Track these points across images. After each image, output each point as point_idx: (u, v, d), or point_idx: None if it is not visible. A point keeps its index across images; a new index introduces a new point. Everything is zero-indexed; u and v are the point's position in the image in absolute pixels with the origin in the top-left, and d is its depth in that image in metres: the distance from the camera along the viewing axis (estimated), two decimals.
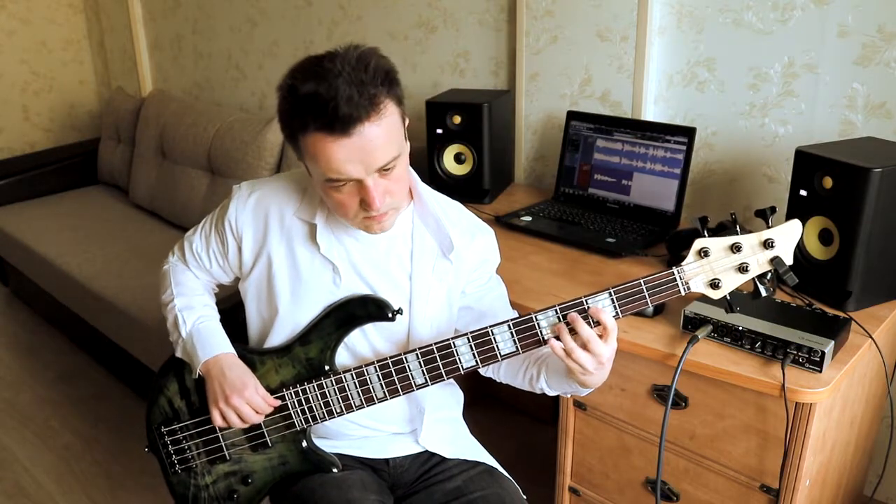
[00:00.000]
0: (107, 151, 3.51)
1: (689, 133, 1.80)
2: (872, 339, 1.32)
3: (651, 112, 1.98)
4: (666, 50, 1.92)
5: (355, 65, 1.03)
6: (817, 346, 1.21)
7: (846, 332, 1.30)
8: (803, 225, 1.45)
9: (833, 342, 1.22)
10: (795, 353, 1.22)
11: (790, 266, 1.07)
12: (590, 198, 1.99)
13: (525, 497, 1.32)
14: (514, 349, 1.14)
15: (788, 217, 1.44)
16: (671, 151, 1.82)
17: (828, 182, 1.39)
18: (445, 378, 1.17)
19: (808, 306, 1.39)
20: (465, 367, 1.16)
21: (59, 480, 2.20)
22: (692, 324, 1.34)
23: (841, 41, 1.65)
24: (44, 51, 3.87)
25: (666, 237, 1.74)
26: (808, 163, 1.43)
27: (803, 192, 1.43)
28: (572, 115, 2.02)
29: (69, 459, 2.29)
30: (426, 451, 1.34)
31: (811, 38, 1.68)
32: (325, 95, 1.01)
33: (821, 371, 1.21)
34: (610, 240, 1.75)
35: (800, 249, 1.46)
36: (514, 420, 2.37)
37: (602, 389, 1.47)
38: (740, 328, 1.28)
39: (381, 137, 1.05)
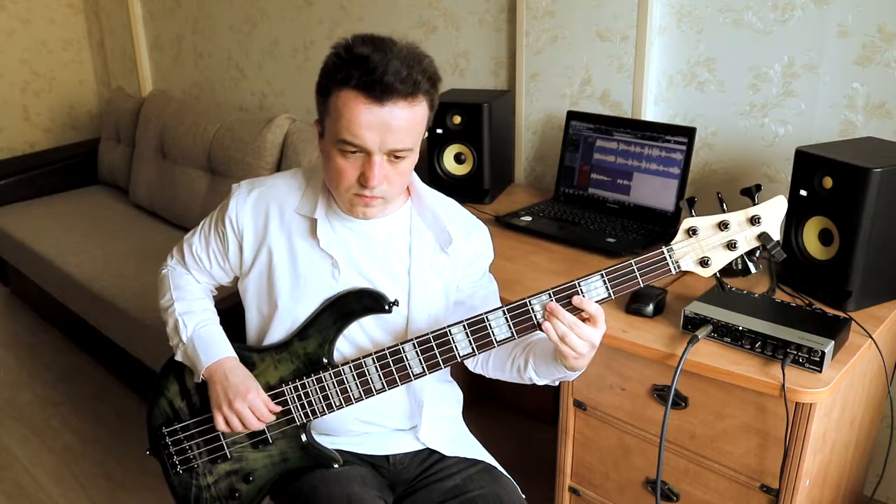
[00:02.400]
0: (107, 151, 3.51)
1: (688, 133, 1.80)
2: (872, 339, 1.32)
3: (651, 112, 1.98)
4: (666, 50, 1.92)
5: (412, 53, 1.09)
6: (817, 346, 1.21)
7: (846, 332, 1.30)
8: (803, 225, 1.45)
9: (833, 342, 1.22)
10: (795, 353, 1.22)
11: (777, 241, 1.08)
12: (590, 198, 1.99)
13: (524, 496, 1.32)
14: (509, 334, 1.15)
15: (789, 217, 1.45)
16: (671, 151, 1.82)
17: (828, 182, 1.39)
18: (443, 366, 1.18)
19: (808, 306, 1.39)
20: (461, 354, 1.17)
21: (59, 480, 2.20)
22: (692, 324, 1.34)
23: (841, 41, 1.65)
24: (44, 51, 3.87)
25: (666, 237, 1.74)
26: (808, 163, 1.43)
27: (803, 192, 1.43)
28: (572, 115, 2.02)
29: (69, 459, 2.29)
30: (426, 449, 1.34)
31: (811, 38, 1.68)
32: (376, 61, 1.06)
33: (821, 371, 1.21)
34: (610, 240, 1.75)
35: (800, 249, 1.46)
36: (514, 420, 2.37)
37: (602, 389, 1.47)
38: (740, 328, 1.28)
39: (406, 122, 1.09)
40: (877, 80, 1.62)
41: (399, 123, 1.08)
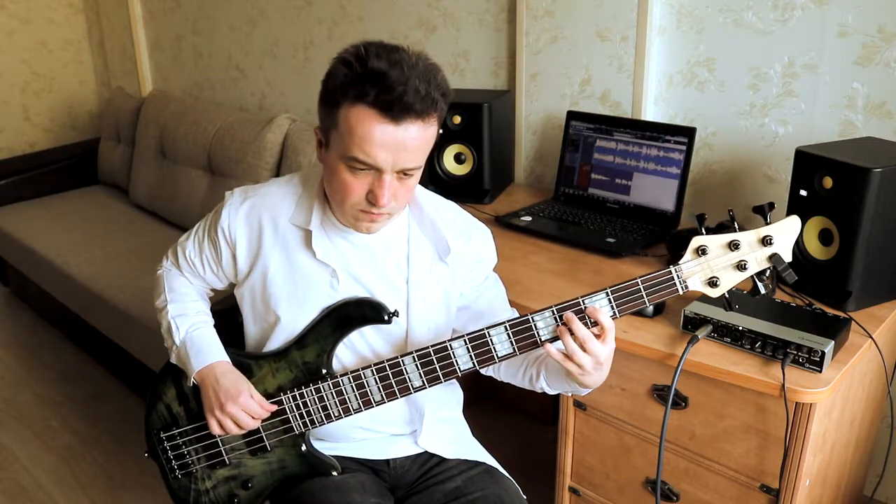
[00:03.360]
0: (107, 151, 3.51)
1: (688, 133, 1.80)
2: (872, 339, 1.32)
3: (651, 112, 1.98)
4: (666, 50, 1.92)
5: (428, 67, 1.06)
6: (817, 346, 1.21)
7: (846, 332, 1.30)
8: (803, 225, 1.45)
9: (833, 342, 1.22)
10: (795, 353, 1.22)
11: (789, 263, 1.06)
12: (590, 198, 1.99)
13: (525, 497, 1.32)
14: (510, 351, 1.13)
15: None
16: (671, 151, 1.82)
17: (828, 182, 1.39)
18: (443, 380, 1.17)
19: (808, 306, 1.39)
20: (462, 369, 1.16)
21: (59, 480, 2.20)
22: (692, 324, 1.34)
23: (841, 41, 1.65)
24: (44, 51, 3.87)
25: (666, 237, 1.74)
26: (808, 163, 1.43)
27: (803, 192, 1.43)
28: (572, 115, 2.02)
29: (69, 459, 2.29)
30: (426, 452, 1.33)
31: (811, 38, 1.68)
32: (395, 79, 1.02)
33: (821, 371, 1.21)
34: (610, 240, 1.75)
35: (800, 249, 1.46)
36: (514, 420, 2.37)
37: (602, 389, 1.46)
38: (740, 328, 1.28)
39: (419, 141, 1.07)
40: (877, 80, 1.62)
41: (413, 143, 1.06)
